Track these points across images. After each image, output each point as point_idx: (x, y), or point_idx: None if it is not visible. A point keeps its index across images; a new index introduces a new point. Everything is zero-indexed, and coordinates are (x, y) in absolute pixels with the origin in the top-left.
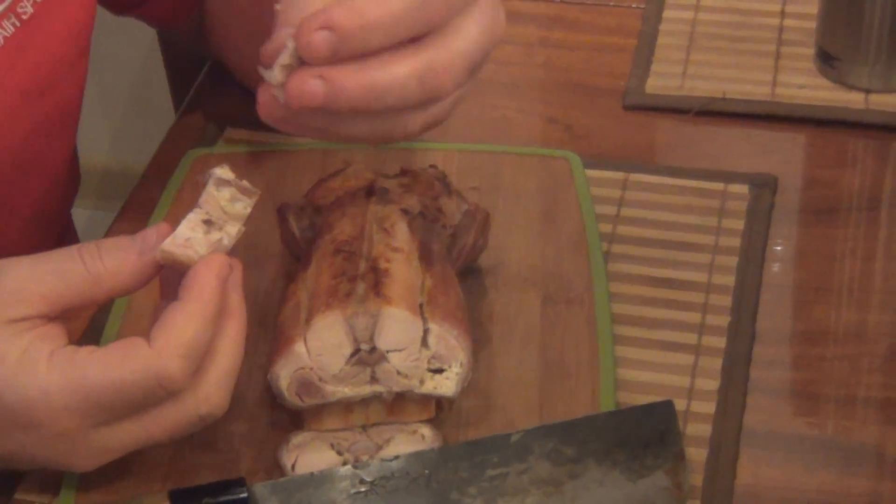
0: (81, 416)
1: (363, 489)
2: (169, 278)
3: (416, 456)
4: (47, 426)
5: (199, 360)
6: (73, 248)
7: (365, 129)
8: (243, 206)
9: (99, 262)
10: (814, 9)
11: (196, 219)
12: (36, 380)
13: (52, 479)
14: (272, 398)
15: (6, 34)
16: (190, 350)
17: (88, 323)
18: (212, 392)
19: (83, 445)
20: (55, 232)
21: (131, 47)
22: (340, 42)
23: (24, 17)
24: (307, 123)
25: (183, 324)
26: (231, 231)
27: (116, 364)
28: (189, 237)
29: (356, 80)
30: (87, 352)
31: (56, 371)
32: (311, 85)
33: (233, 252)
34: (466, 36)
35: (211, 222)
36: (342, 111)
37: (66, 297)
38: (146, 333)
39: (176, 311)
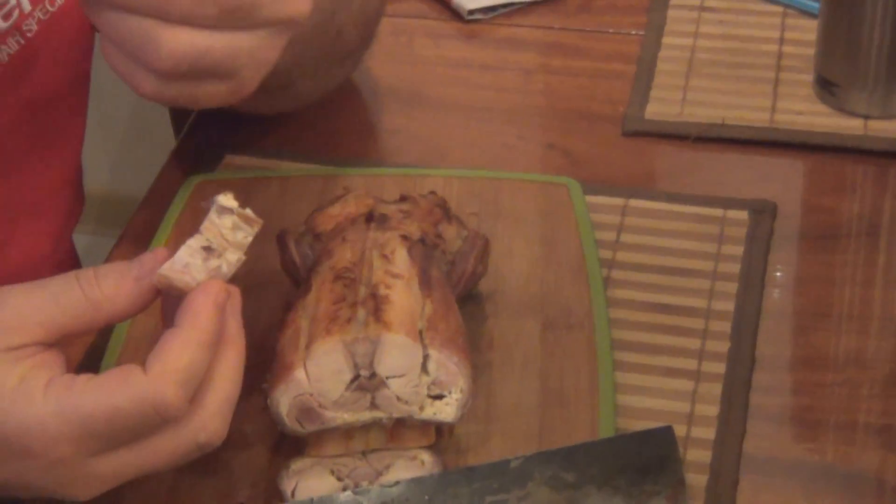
0: (78, 445)
1: None
2: (170, 305)
3: (416, 482)
4: (43, 454)
5: (196, 387)
6: (71, 275)
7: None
8: (244, 235)
9: (96, 289)
10: (812, 35)
11: (196, 245)
12: (32, 408)
13: None
14: (272, 424)
15: (10, 51)
16: (186, 377)
17: (88, 349)
18: (210, 420)
19: (80, 474)
20: (57, 253)
21: None
22: None
23: (29, 34)
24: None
25: (179, 351)
26: (231, 259)
27: (112, 392)
28: (188, 263)
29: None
30: (83, 380)
31: (52, 399)
32: None
33: (233, 279)
34: None
35: (211, 249)
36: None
37: (64, 325)
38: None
39: (172, 338)
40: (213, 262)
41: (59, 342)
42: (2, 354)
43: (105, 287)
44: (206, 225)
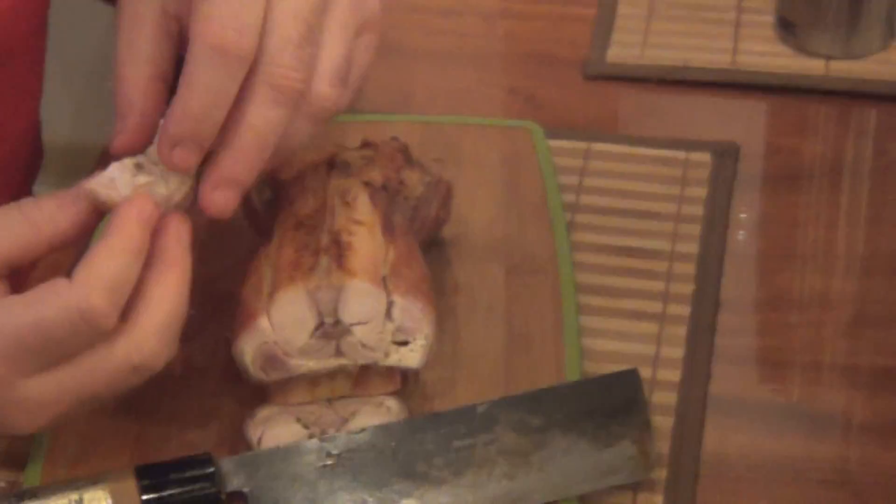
0: (9, 362)
1: (330, 462)
2: None
3: (383, 428)
4: None
5: (125, 296)
6: (12, 203)
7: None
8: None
9: (36, 210)
10: None
11: (128, 162)
12: None
13: (17, 456)
14: (237, 373)
15: None
16: (112, 283)
17: None
18: (145, 340)
19: (16, 397)
20: None
21: (91, 24)
22: (195, 144)
23: None
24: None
25: (104, 258)
26: (174, 184)
27: (38, 304)
28: (114, 177)
29: (239, 159)
30: (10, 298)
31: None
32: (216, 200)
33: (196, 229)
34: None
35: (141, 166)
36: (256, 177)
37: (5, 247)
38: None
39: (97, 247)
40: (142, 179)
41: (2, 272)
42: None
43: (45, 208)
44: (150, 148)
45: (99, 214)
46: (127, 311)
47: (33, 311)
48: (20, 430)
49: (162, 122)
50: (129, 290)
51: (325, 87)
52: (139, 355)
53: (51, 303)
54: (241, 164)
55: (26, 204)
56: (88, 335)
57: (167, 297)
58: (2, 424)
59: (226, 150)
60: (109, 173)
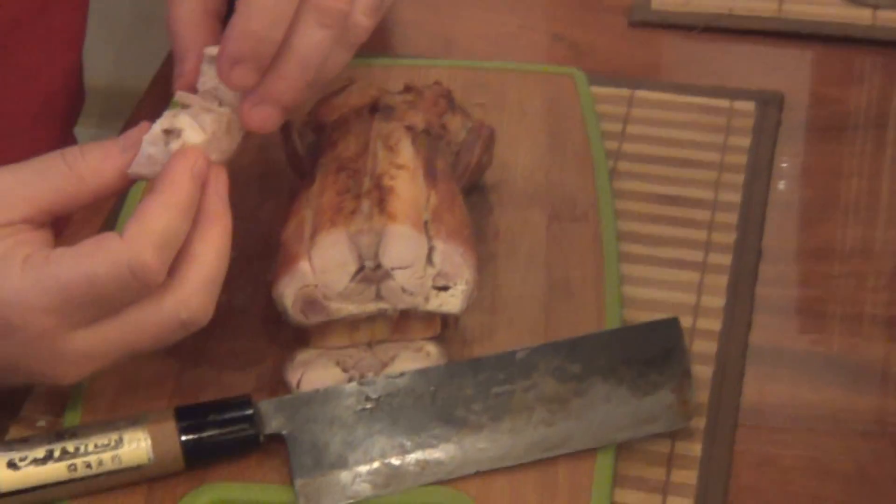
0: (58, 315)
1: (369, 406)
2: None
3: (422, 373)
4: (24, 329)
5: (174, 251)
6: (56, 152)
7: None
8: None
9: (81, 162)
10: None
11: (156, 131)
12: (10, 282)
13: (57, 396)
14: (277, 316)
15: None
16: (163, 239)
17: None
18: (192, 296)
19: (64, 350)
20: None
21: None
22: (254, 62)
23: None
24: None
25: (155, 214)
26: (222, 113)
27: (89, 258)
28: (150, 155)
29: (282, 78)
30: (60, 251)
31: (30, 272)
32: (255, 116)
33: (237, 170)
34: None
35: (170, 132)
36: (299, 97)
37: (50, 198)
38: None
39: (147, 202)
40: (175, 144)
41: (47, 221)
42: None
43: (90, 160)
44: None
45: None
46: (173, 266)
47: (83, 266)
48: (64, 381)
49: (206, 50)
50: (178, 246)
51: (362, 17)
52: (187, 311)
53: (101, 258)
54: (282, 84)
55: (71, 154)
56: (137, 291)
57: (212, 252)
58: (47, 375)
59: (270, 70)
60: (143, 153)
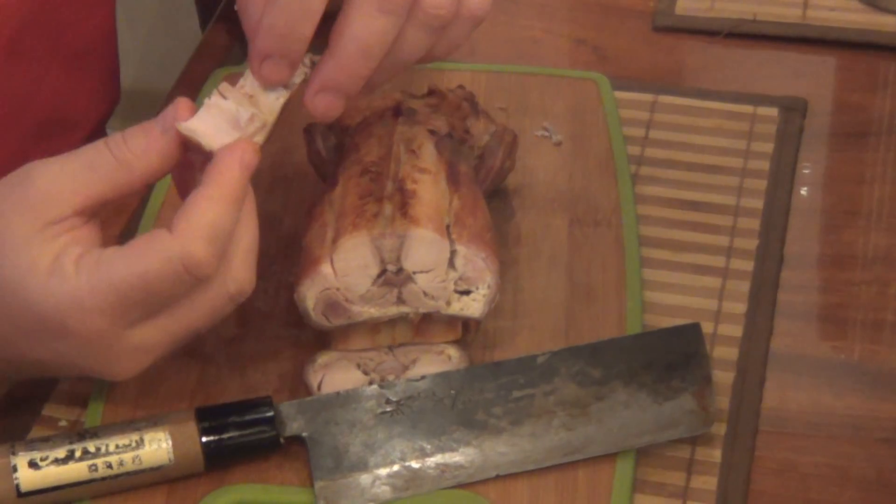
0: (114, 316)
1: (389, 409)
2: (182, 172)
3: (443, 376)
4: (81, 331)
5: (225, 242)
6: (99, 142)
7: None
8: (276, 97)
9: (126, 150)
10: None
11: (222, 104)
12: (65, 285)
13: (79, 396)
14: (298, 318)
15: None
16: (214, 233)
17: (122, 231)
18: (237, 269)
19: (120, 347)
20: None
21: None
22: (284, 58)
23: None
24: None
25: (205, 207)
26: (265, 108)
27: (141, 257)
28: (207, 118)
29: (342, 67)
30: (111, 251)
31: (84, 274)
32: (318, 103)
33: (258, 174)
34: None
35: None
36: (361, 85)
37: (100, 189)
38: None
39: (198, 196)
40: (235, 133)
41: (96, 211)
42: (39, 233)
43: (134, 146)
44: (240, 82)
45: (185, 146)
46: None
47: (136, 266)
48: (123, 376)
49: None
50: (228, 238)
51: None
52: (235, 284)
53: (153, 256)
54: (343, 72)
55: (115, 143)
56: (191, 284)
57: (248, 224)
58: (104, 372)
59: (330, 58)
60: (203, 118)
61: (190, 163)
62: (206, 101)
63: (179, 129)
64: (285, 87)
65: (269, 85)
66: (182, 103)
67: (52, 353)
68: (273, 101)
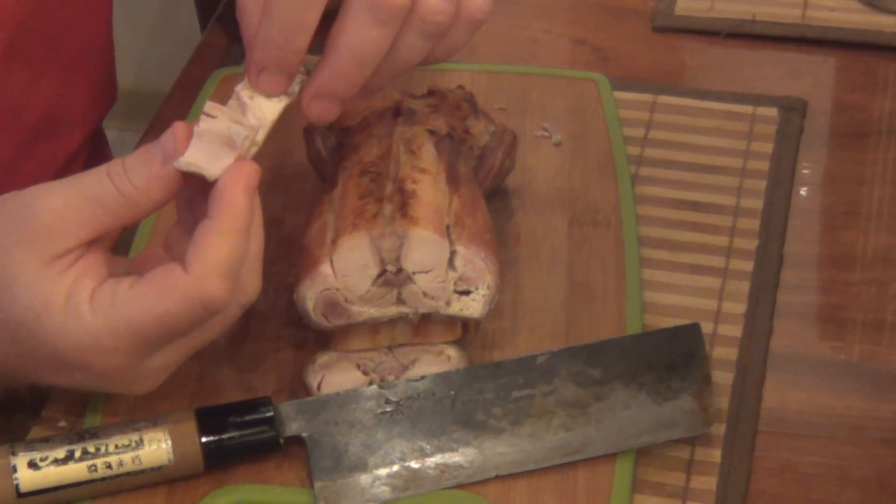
0: (133, 353)
1: (389, 409)
2: (184, 196)
3: (442, 377)
4: (100, 366)
5: (239, 272)
6: (102, 171)
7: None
8: (277, 100)
9: (128, 184)
10: None
11: (215, 128)
12: (83, 325)
13: (79, 396)
14: (298, 318)
15: None
16: (228, 268)
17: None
18: (246, 283)
19: (139, 373)
20: (89, 142)
21: None
22: (279, 70)
23: None
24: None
25: (217, 244)
26: (264, 116)
27: (158, 298)
28: (207, 150)
29: (337, 75)
30: (126, 287)
31: (101, 314)
32: (313, 109)
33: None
34: None
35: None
36: (357, 91)
37: (105, 223)
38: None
39: (208, 232)
40: (233, 153)
41: (99, 240)
42: (47, 268)
43: (136, 181)
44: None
45: (186, 176)
46: None
47: (155, 308)
48: (142, 392)
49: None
50: (241, 267)
51: (434, 0)
52: (244, 296)
53: (171, 297)
54: (337, 79)
55: (117, 175)
56: (207, 318)
57: (255, 233)
58: (125, 391)
59: (325, 65)
60: (195, 147)
61: (191, 184)
62: (196, 129)
63: (179, 168)
64: (285, 93)
65: (268, 95)
66: (179, 130)
67: (72, 381)
68: (274, 105)
